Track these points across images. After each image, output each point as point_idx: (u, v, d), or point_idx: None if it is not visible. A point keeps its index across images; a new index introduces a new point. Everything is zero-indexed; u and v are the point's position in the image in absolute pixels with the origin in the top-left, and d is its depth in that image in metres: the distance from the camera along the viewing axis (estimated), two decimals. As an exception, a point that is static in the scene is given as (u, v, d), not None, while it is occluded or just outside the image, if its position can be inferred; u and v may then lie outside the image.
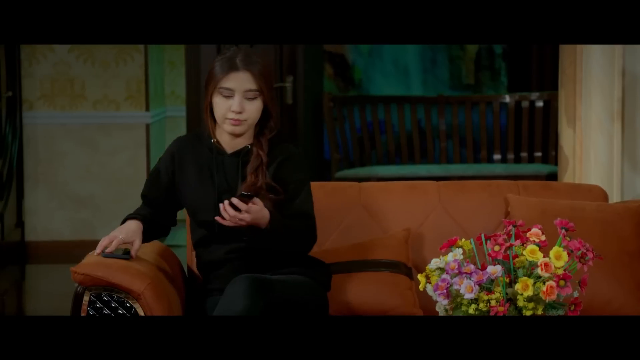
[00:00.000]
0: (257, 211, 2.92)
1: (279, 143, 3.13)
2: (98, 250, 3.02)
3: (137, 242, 3.07)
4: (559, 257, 2.60)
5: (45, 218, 6.98)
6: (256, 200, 2.94)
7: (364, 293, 3.22)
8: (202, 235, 3.13)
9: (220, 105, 3.05)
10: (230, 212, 2.90)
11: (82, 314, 2.93)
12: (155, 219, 3.14)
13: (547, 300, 2.58)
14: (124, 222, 3.12)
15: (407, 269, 3.29)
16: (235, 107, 3.02)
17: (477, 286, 2.58)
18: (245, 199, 2.90)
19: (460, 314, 2.61)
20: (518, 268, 2.64)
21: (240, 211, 2.90)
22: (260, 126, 3.11)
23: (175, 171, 3.14)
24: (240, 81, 3.03)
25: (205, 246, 3.13)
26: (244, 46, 3.23)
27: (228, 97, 3.04)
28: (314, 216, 3.12)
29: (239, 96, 3.03)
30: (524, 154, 7.36)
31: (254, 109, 3.05)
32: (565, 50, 4.57)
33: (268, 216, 2.95)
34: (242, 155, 3.09)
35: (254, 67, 3.04)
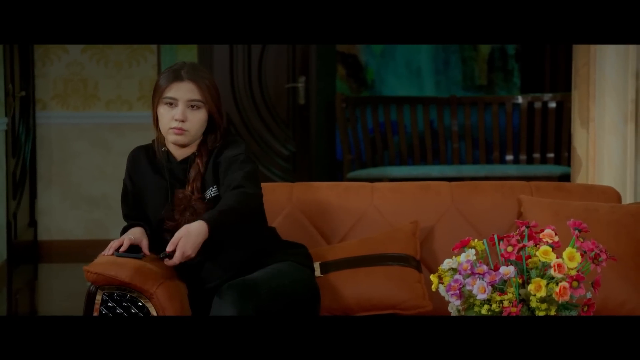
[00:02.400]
0: (186, 242, 2.82)
1: (225, 137, 3.11)
2: (109, 251, 3.03)
3: (145, 241, 3.08)
4: (572, 258, 2.59)
5: (58, 218, 7.01)
6: (179, 233, 2.84)
7: (373, 287, 3.22)
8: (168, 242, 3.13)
9: (164, 115, 3.05)
10: (172, 262, 2.85)
11: (95, 313, 2.93)
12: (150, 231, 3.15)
13: (560, 302, 2.57)
14: (123, 231, 3.12)
15: (416, 262, 3.29)
16: (178, 116, 3.02)
17: (489, 287, 2.57)
18: (165, 257, 2.85)
19: (473, 315, 2.60)
20: (531, 269, 2.63)
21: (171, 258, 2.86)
22: (206, 136, 3.10)
23: (135, 181, 3.15)
24: (183, 91, 3.03)
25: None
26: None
27: (172, 106, 3.04)
28: (247, 185, 2.96)
29: (183, 105, 3.03)
30: (536, 155, 7.34)
31: (197, 119, 3.05)
32: (578, 51, 4.56)
33: (204, 229, 2.84)
34: (190, 162, 3.09)
35: (199, 79, 3.05)
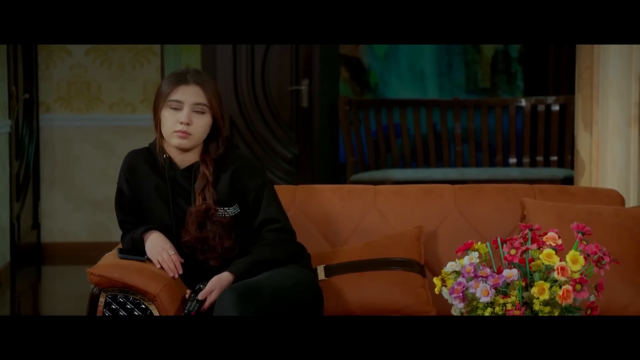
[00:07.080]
0: (214, 286, 2.93)
1: (227, 150, 3.11)
2: (172, 274, 3.01)
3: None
4: (575, 261, 2.59)
5: (62, 220, 7.01)
6: (213, 286, 2.94)
7: (376, 292, 3.22)
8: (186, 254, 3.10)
9: (168, 119, 3.04)
10: (205, 308, 2.93)
11: (98, 316, 2.93)
12: None
13: (563, 304, 2.57)
14: (141, 236, 3.07)
15: (420, 267, 3.29)
16: (183, 118, 3.01)
17: (493, 290, 2.57)
18: (195, 309, 2.91)
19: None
20: (534, 272, 2.63)
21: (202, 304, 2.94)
22: (207, 144, 3.09)
23: (133, 185, 3.13)
24: (189, 94, 3.03)
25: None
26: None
27: (177, 109, 3.03)
28: (281, 218, 3.08)
29: (188, 108, 3.02)
30: (539, 158, 7.34)
31: (201, 124, 3.04)
32: (582, 54, 4.56)
33: (232, 280, 2.95)
34: (194, 170, 3.07)
35: (204, 83, 3.05)
